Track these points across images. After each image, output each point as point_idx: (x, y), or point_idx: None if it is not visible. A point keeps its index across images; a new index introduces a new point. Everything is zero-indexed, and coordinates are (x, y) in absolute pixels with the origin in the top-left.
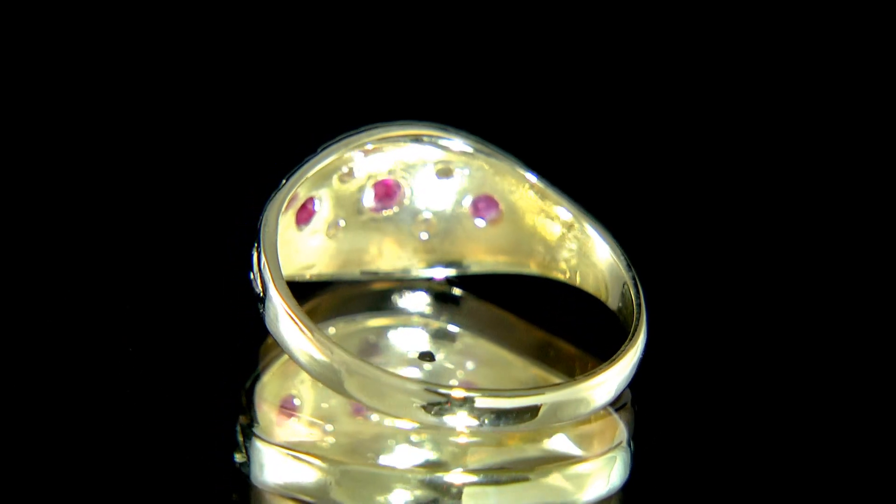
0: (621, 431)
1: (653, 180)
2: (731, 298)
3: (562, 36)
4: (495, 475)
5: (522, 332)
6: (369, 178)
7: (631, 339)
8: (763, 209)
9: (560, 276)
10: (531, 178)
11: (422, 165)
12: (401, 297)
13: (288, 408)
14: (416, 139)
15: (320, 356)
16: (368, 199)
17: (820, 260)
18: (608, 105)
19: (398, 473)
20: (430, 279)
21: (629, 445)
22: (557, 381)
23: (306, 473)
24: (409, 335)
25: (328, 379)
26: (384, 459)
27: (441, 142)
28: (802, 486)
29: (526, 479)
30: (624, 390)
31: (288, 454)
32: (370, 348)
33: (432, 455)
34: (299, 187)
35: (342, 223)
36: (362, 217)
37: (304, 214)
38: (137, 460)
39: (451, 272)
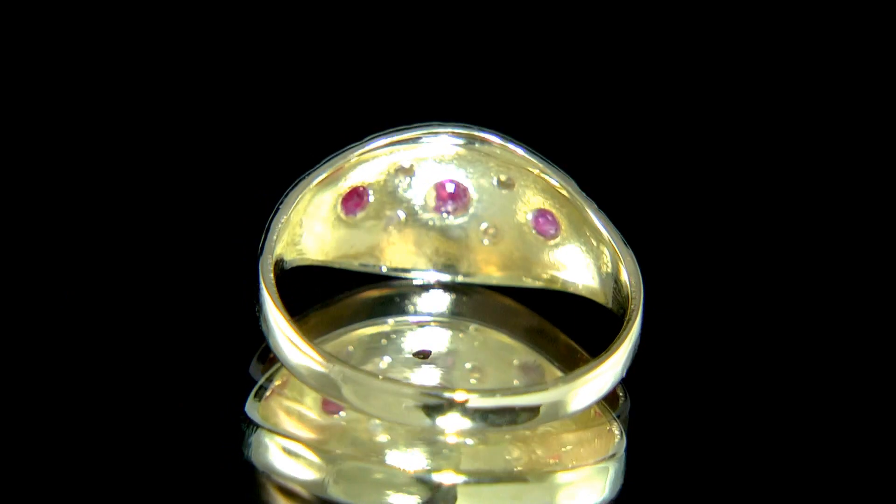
0: (616, 442)
1: (655, 179)
2: (735, 305)
3: (555, 33)
4: (489, 478)
5: (524, 317)
6: (429, 177)
7: (624, 332)
8: (764, 209)
9: (558, 288)
10: (586, 200)
11: (482, 172)
12: (406, 298)
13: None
14: (472, 141)
15: (303, 358)
16: (431, 199)
17: (821, 258)
18: (608, 100)
19: (394, 472)
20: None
21: (623, 457)
22: (557, 374)
23: (306, 468)
24: (408, 334)
25: (321, 385)
26: (381, 458)
27: (500, 150)
28: (803, 498)
29: (518, 483)
30: (619, 384)
31: (290, 446)
32: (368, 352)
33: (428, 455)
34: (342, 172)
35: (402, 216)
36: (425, 216)
37: (354, 203)
38: (148, 448)
39: (457, 278)
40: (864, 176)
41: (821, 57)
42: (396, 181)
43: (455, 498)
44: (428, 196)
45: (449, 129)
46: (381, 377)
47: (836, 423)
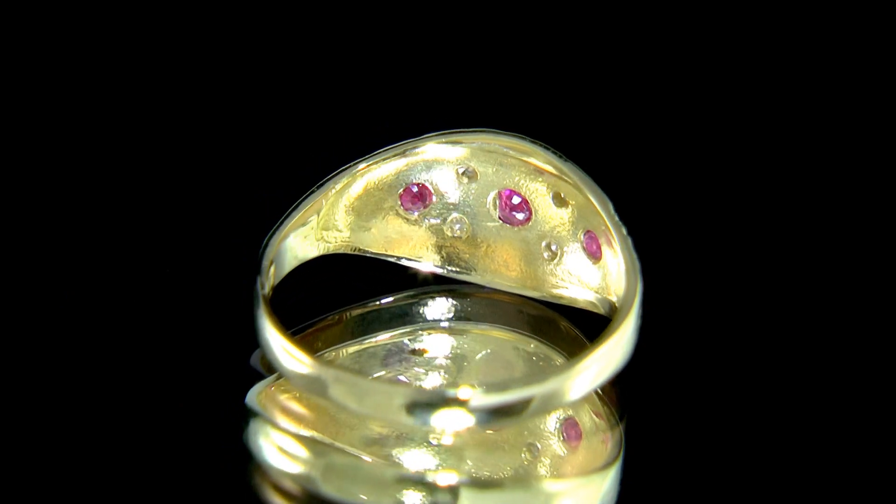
0: (611, 451)
1: (656, 181)
2: (738, 313)
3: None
4: (483, 482)
5: (528, 307)
6: (491, 184)
7: (615, 322)
8: (766, 216)
9: (562, 302)
10: (617, 224)
11: (538, 186)
12: (412, 308)
13: None
14: (525, 154)
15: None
16: (494, 207)
17: (822, 268)
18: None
19: (387, 471)
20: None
21: (619, 467)
22: (558, 362)
23: (300, 463)
24: (408, 335)
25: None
26: (375, 457)
27: (556, 168)
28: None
29: (513, 489)
30: (615, 375)
31: (288, 441)
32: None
33: (423, 455)
34: (398, 165)
35: (466, 222)
36: (491, 224)
37: (415, 198)
38: (148, 438)
39: (470, 278)
40: (863, 173)
41: (820, 56)
42: (459, 184)
43: (448, 499)
44: (491, 204)
45: (500, 139)
46: (371, 378)
47: (836, 430)
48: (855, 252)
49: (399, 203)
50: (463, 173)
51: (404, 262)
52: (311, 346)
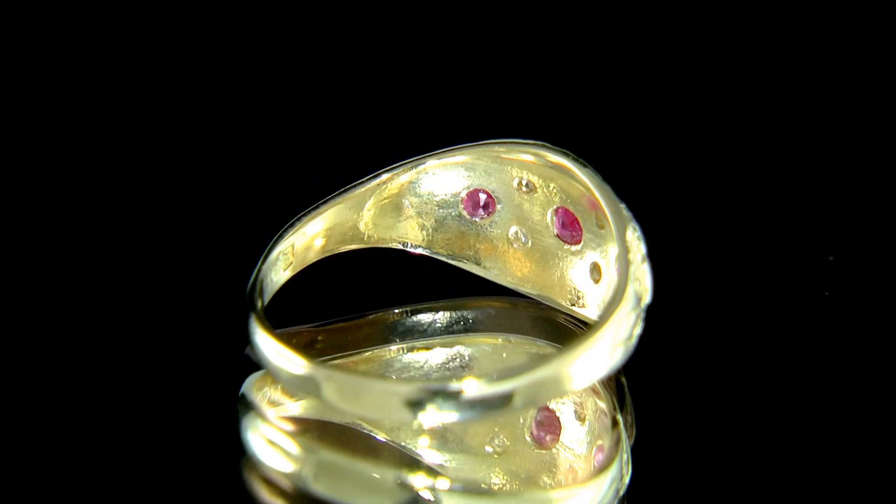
0: (609, 457)
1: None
2: (741, 314)
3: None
4: (474, 485)
5: (540, 314)
6: (550, 199)
7: (605, 316)
8: (767, 218)
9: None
10: (625, 246)
11: (583, 206)
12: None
13: None
14: (569, 174)
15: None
16: (552, 224)
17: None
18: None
19: (382, 471)
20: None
21: (618, 475)
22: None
23: (291, 460)
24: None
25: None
26: (370, 456)
27: (584, 187)
28: None
29: (503, 494)
30: (616, 371)
31: (280, 437)
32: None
33: (412, 454)
34: (460, 167)
35: (529, 236)
36: (550, 240)
37: (477, 204)
38: (145, 430)
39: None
40: (865, 173)
41: (821, 57)
42: (520, 195)
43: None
44: (550, 220)
45: (548, 154)
46: (368, 377)
47: (837, 432)
48: (854, 253)
49: (461, 207)
50: (525, 185)
51: (393, 246)
52: (313, 349)
